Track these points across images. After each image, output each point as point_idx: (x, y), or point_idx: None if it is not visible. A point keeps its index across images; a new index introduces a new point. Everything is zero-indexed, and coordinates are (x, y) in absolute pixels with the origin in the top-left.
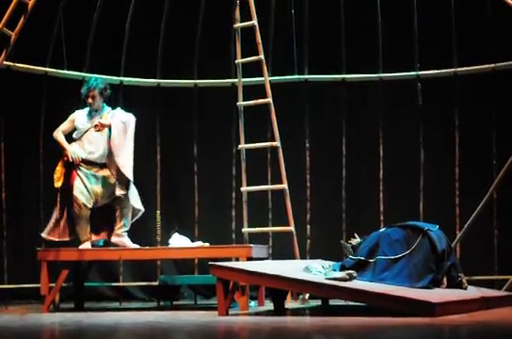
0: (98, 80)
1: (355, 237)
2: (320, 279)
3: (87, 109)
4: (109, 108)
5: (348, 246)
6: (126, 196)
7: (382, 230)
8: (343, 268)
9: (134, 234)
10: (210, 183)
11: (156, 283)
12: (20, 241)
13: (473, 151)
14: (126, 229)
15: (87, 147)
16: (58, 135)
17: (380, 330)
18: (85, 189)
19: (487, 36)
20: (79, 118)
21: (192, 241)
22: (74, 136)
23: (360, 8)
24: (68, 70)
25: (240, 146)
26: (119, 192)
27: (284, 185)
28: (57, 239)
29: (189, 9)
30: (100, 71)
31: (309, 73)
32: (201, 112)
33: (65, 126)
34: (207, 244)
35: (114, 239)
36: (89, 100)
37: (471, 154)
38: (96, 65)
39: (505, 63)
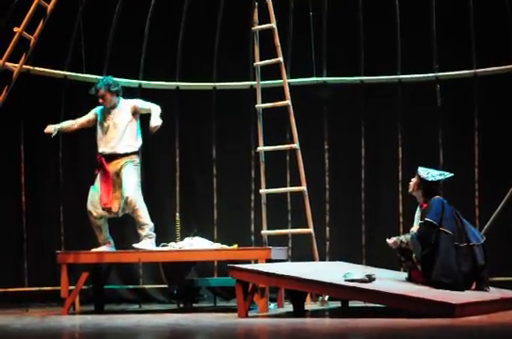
0: (103, 80)
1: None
2: (339, 281)
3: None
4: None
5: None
6: None
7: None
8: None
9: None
10: (229, 185)
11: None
12: (40, 244)
13: (493, 152)
14: None
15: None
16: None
17: (400, 331)
18: None
19: (506, 36)
20: (99, 115)
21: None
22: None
23: (378, 11)
24: (87, 73)
25: (259, 148)
26: None
27: (303, 187)
28: None
29: (208, 12)
30: (119, 74)
31: (327, 76)
32: (220, 114)
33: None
34: (230, 246)
35: None
36: (100, 100)
37: (490, 155)
38: (115, 68)
39: None
